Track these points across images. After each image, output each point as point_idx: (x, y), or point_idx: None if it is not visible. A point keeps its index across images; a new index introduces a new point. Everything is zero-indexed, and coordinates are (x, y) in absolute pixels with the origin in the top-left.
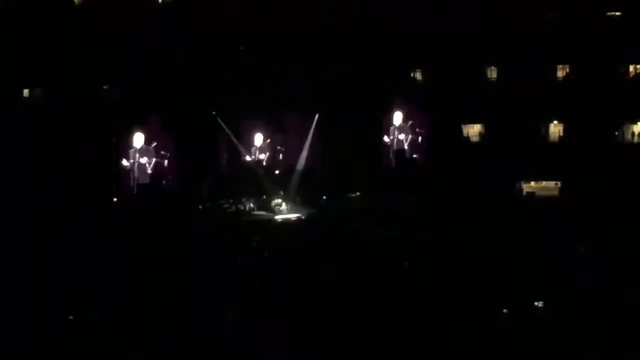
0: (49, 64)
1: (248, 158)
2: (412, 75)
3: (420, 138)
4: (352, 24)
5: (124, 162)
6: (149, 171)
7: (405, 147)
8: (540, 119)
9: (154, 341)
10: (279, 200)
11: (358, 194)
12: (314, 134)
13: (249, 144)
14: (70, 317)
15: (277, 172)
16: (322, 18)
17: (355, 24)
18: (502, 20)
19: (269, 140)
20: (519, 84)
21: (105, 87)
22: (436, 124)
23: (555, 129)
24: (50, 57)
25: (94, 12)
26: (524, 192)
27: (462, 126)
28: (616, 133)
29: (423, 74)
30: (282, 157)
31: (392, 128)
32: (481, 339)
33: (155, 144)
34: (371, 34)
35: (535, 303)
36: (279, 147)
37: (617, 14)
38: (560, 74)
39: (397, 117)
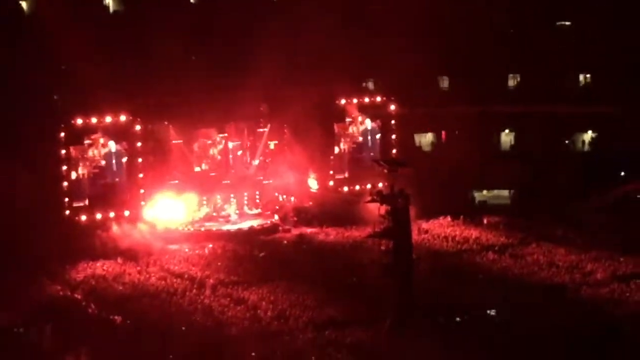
0: None
1: (198, 168)
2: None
3: None
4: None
5: None
6: None
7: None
8: (492, 128)
9: None
10: (230, 210)
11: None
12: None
13: (201, 153)
14: None
15: (227, 181)
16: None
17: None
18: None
19: (218, 150)
20: (472, 94)
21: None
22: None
23: (507, 138)
24: None
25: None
26: (477, 201)
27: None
28: (567, 142)
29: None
30: (234, 166)
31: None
32: None
33: None
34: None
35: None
36: (230, 157)
37: (567, 23)
38: (511, 83)
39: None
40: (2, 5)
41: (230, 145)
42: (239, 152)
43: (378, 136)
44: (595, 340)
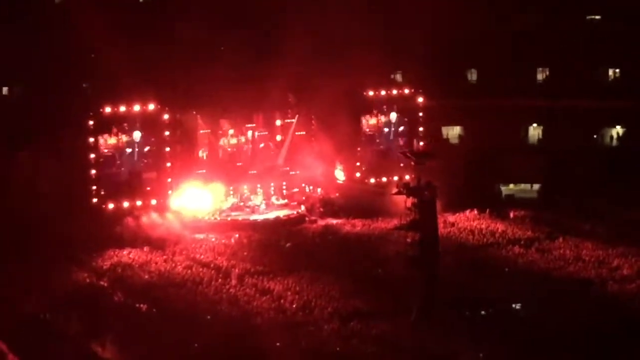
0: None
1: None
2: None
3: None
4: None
5: None
6: None
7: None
8: (520, 122)
9: None
10: (257, 200)
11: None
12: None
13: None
14: None
15: (254, 171)
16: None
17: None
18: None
19: (247, 139)
20: (500, 87)
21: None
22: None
23: (535, 131)
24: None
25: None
26: (503, 195)
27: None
28: (595, 136)
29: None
30: (261, 156)
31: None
32: None
33: None
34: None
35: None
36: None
37: (597, 17)
38: (540, 76)
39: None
40: None
41: (257, 135)
42: (263, 144)
43: (401, 128)
44: (619, 336)
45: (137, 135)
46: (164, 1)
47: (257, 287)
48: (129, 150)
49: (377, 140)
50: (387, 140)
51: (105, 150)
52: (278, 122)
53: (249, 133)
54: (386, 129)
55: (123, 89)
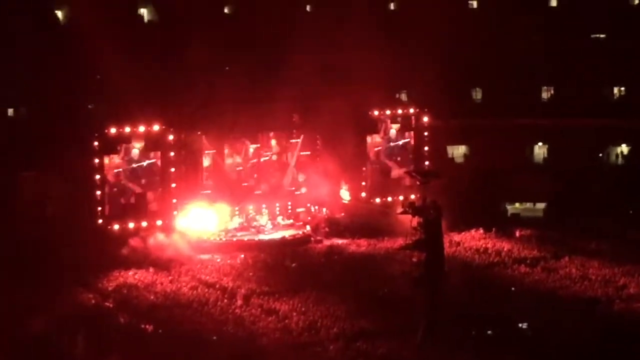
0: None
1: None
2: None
3: None
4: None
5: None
6: None
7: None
8: (525, 141)
9: None
10: (262, 220)
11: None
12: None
13: (233, 164)
14: None
15: (259, 191)
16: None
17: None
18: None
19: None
20: (505, 106)
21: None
22: None
23: (540, 150)
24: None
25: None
26: (509, 214)
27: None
28: (600, 155)
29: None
30: (266, 177)
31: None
32: None
33: None
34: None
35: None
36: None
37: (602, 36)
38: (545, 95)
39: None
40: (38, 14)
41: (262, 154)
42: (271, 161)
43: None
44: (626, 354)
45: (141, 155)
46: (170, 22)
47: (262, 308)
48: (133, 170)
49: (382, 160)
50: (392, 159)
51: (112, 171)
52: (283, 142)
53: (251, 151)
54: (391, 149)
55: (128, 110)
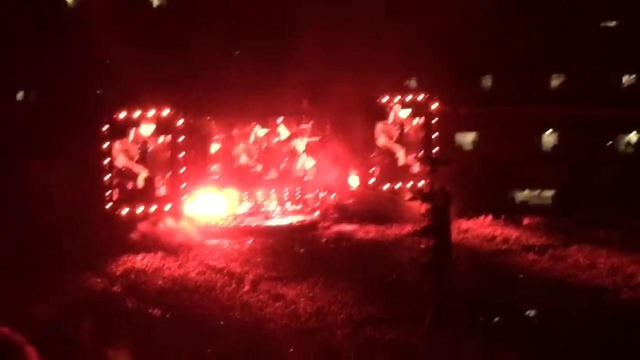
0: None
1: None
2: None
3: None
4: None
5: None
6: None
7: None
8: (534, 128)
9: None
10: (271, 206)
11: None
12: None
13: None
14: None
15: (268, 177)
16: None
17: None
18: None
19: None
20: (515, 94)
21: None
22: None
23: (549, 138)
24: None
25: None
26: (517, 201)
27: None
28: (609, 143)
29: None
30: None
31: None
32: None
33: None
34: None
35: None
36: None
37: (612, 24)
38: (554, 83)
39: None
40: None
41: (272, 141)
42: (280, 146)
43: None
44: (634, 343)
45: (150, 139)
46: (179, 7)
47: (270, 293)
48: (142, 154)
49: (391, 146)
50: (401, 146)
51: (121, 155)
52: (292, 128)
53: (261, 136)
54: (400, 135)
55: (137, 94)
